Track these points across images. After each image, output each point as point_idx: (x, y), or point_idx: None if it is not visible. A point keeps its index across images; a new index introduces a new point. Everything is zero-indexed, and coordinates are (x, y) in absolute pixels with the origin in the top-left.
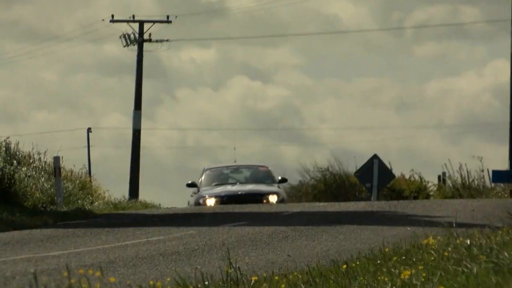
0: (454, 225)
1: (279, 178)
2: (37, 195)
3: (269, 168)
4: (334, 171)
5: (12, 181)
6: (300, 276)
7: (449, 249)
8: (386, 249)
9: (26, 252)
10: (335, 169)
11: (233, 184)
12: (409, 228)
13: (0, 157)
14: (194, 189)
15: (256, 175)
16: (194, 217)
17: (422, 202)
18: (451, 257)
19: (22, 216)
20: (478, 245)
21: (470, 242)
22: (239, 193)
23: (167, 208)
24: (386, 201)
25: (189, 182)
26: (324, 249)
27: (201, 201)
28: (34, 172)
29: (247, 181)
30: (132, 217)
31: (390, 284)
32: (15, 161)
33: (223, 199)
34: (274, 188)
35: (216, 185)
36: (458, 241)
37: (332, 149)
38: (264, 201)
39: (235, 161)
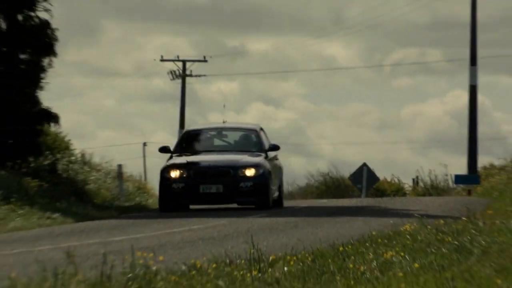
0: (425, 216)
1: (269, 145)
2: (105, 193)
3: (260, 130)
4: (332, 176)
5: (86, 182)
6: (306, 255)
7: (421, 234)
8: (373, 234)
9: (97, 238)
10: (333, 174)
11: (210, 152)
12: (391, 221)
13: (77, 164)
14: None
15: (241, 141)
16: (226, 210)
17: (400, 199)
18: (423, 241)
19: (93, 210)
20: (443, 231)
21: (437, 229)
22: (208, 165)
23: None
24: (373, 198)
25: (165, 146)
26: (325, 235)
27: (164, 172)
28: (102, 176)
29: (228, 148)
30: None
31: (375, 262)
32: (87, 167)
33: (190, 172)
34: (255, 159)
35: (192, 152)
36: (428, 228)
37: (330, 159)
38: (238, 174)
39: (224, 121)
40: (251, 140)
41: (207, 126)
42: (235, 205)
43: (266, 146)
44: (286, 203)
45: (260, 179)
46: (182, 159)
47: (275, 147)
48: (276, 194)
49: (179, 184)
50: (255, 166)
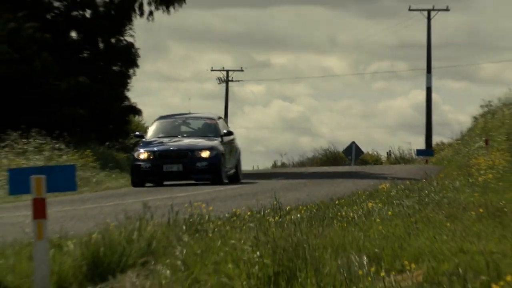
0: (396, 178)
1: (225, 131)
2: None
3: (217, 120)
4: (330, 150)
5: None
6: (313, 206)
7: (393, 191)
8: (359, 192)
9: (167, 194)
10: (331, 149)
11: (175, 137)
12: (372, 182)
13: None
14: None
15: (201, 128)
16: (257, 175)
17: (378, 166)
18: (394, 196)
19: None
20: (409, 189)
21: (404, 187)
22: (170, 148)
23: (244, 170)
24: (359, 166)
25: (137, 133)
26: (326, 191)
27: (135, 154)
28: None
29: (191, 134)
30: None
31: (361, 210)
32: None
33: (155, 154)
34: (210, 142)
35: (160, 137)
36: (398, 186)
37: (328, 139)
38: (195, 156)
39: (189, 112)
40: (210, 127)
41: (174, 115)
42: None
43: (222, 132)
44: (303, 169)
45: (213, 159)
46: (149, 144)
47: (229, 133)
48: (232, 171)
49: (147, 164)
50: (210, 148)
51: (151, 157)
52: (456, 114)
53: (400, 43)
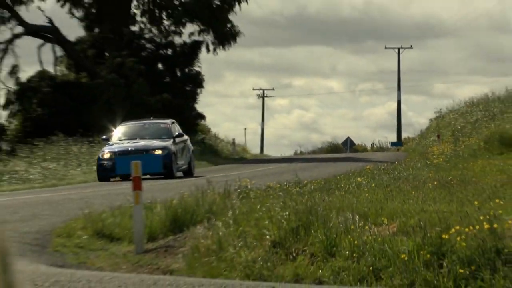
0: (377, 162)
1: (176, 133)
2: (226, 152)
3: (170, 124)
4: (333, 143)
5: (217, 147)
6: (321, 180)
7: (375, 171)
8: (352, 171)
9: (222, 173)
10: (333, 142)
11: (134, 139)
12: (361, 164)
13: (212, 138)
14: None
15: (156, 131)
16: (283, 159)
17: (365, 153)
18: (376, 173)
19: (221, 160)
20: (386, 168)
21: (383, 167)
22: (128, 148)
23: (275, 156)
24: (352, 153)
25: (104, 136)
26: (329, 171)
27: (100, 154)
28: (225, 143)
29: (148, 136)
30: (261, 160)
31: (354, 183)
32: (218, 140)
33: (116, 154)
34: (163, 143)
35: (122, 139)
36: (379, 167)
37: (331, 135)
38: (149, 154)
39: (151, 118)
40: (163, 130)
41: (134, 121)
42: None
43: (174, 134)
44: (314, 155)
45: (165, 157)
46: (112, 145)
47: (180, 135)
48: (185, 167)
49: (109, 162)
50: (162, 148)
51: (113, 156)
52: (417, 118)
53: (379, 70)
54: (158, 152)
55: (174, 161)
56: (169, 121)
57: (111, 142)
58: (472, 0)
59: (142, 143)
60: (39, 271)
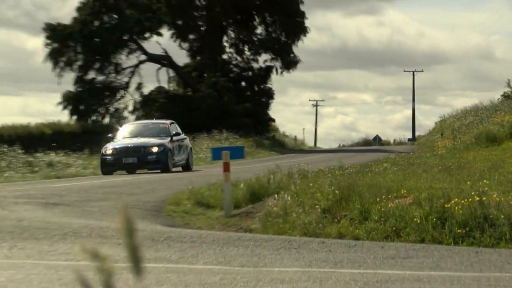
0: (398, 152)
1: (174, 132)
2: (289, 145)
3: (169, 124)
4: (367, 139)
5: (283, 141)
6: (357, 166)
7: (397, 158)
8: (380, 159)
9: (287, 160)
10: (367, 138)
11: (135, 137)
12: (386, 154)
13: (279, 135)
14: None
15: (155, 130)
16: (330, 150)
17: (389, 146)
18: (397, 160)
19: (285, 150)
20: (405, 157)
21: (403, 156)
22: (128, 145)
23: (324, 148)
24: (380, 146)
25: (110, 135)
26: (363, 159)
27: (103, 150)
28: (289, 138)
29: (147, 135)
30: (315, 150)
31: (381, 167)
32: (283, 135)
33: (117, 150)
34: (160, 141)
35: (126, 137)
36: (399, 156)
37: (365, 133)
38: (147, 151)
39: (154, 118)
40: (162, 130)
41: (137, 121)
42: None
43: (172, 133)
44: (353, 147)
45: (161, 153)
46: (115, 142)
47: (178, 134)
48: (183, 162)
49: (110, 158)
50: (159, 145)
51: (114, 152)
52: (426, 121)
53: (398, 87)
54: (155, 149)
55: (170, 157)
56: (168, 121)
57: (115, 140)
58: (466, 36)
59: (141, 140)
60: (156, 229)
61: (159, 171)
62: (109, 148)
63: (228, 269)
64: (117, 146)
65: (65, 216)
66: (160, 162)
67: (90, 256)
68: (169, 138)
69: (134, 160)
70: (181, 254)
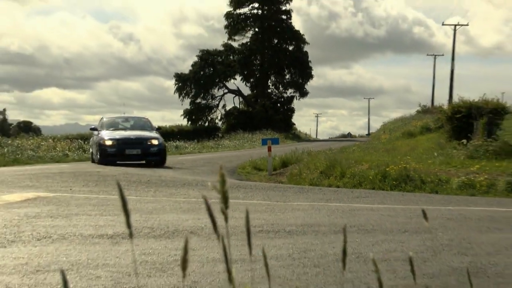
0: (361, 141)
1: (156, 126)
2: (303, 137)
3: (148, 119)
4: (344, 134)
5: (299, 134)
6: (338, 148)
7: (360, 144)
8: (351, 145)
9: (301, 145)
10: (344, 133)
11: (124, 129)
12: (354, 142)
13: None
14: (95, 132)
15: (139, 124)
16: (325, 140)
17: (356, 138)
18: (360, 146)
19: (300, 140)
20: (364, 144)
21: (363, 143)
22: (131, 137)
23: (322, 139)
24: (351, 138)
25: (92, 126)
26: (342, 145)
27: (101, 141)
28: (302, 133)
29: (133, 128)
30: (316, 140)
31: (351, 149)
32: (300, 131)
33: (119, 141)
34: (155, 134)
35: (112, 129)
36: (361, 143)
37: (344, 131)
38: (148, 143)
39: (124, 113)
40: (146, 124)
41: (116, 115)
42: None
43: (155, 127)
44: (336, 139)
45: (161, 146)
46: (110, 133)
47: (159, 128)
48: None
49: (112, 149)
50: (157, 138)
51: (115, 143)
52: (376, 124)
53: (361, 107)
54: (155, 142)
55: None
56: (144, 116)
57: (101, 131)
58: (397, 80)
59: (139, 133)
60: (231, 182)
61: (158, 163)
62: (107, 139)
63: (270, 202)
64: (117, 137)
65: (184, 174)
66: (160, 154)
67: (216, 186)
68: (155, 132)
69: (138, 151)
70: (245, 194)
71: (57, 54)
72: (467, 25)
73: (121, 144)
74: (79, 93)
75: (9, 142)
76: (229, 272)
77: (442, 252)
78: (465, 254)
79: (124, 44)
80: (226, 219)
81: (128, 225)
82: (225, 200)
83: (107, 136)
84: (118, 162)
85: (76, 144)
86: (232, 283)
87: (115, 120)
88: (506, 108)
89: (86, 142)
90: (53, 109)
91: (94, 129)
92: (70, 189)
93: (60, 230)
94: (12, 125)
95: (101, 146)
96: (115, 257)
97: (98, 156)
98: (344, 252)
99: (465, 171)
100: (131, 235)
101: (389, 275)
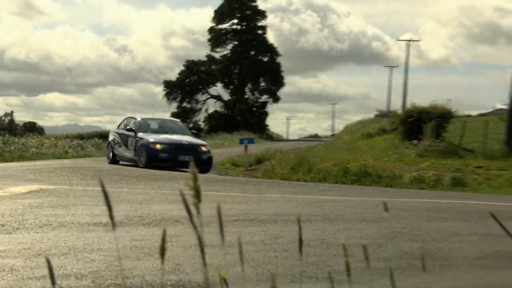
0: (326, 141)
1: (193, 131)
2: (275, 137)
3: (181, 123)
4: (311, 134)
5: (271, 135)
6: (307, 147)
7: (325, 144)
8: (317, 144)
9: (274, 145)
10: (312, 134)
11: (166, 133)
12: (320, 142)
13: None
14: (131, 133)
15: (178, 128)
16: (295, 140)
17: (322, 138)
18: (325, 145)
19: (273, 140)
20: (328, 143)
21: (327, 143)
22: (183, 142)
23: (292, 138)
24: (317, 138)
25: (128, 127)
26: (307, 145)
27: (151, 145)
28: (274, 134)
29: (174, 131)
30: (287, 140)
31: (317, 148)
32: (273, 132)
33: (171, 146)
34: (202, 141)
35: (152, 132)
36: (326, 143)
37: (311, 132)
38: (199, 150)
39: (152, 115)
40: (182, 127)
41: (151, 116)
42: None
43: (191, 131)
44: (305, 139)
45: (209, 153)
46: (157, 137)
47: (196, 132)
48: None
49: (164, 154)
50: (206, 145)
51: (167, 148)
52: (339, 126)
53: (326, 111)
54: (205, 149)
55: None
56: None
57: (144, 134)
58: (359, 88)
59: (187, 138)
60: (213, 176)
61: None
62: (157, 143)
63: (246, 195)
64: (169, 142)
65: (171, 169)
66: (209, 162)
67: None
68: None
69: (190, 158)
70: (223, 187)
71: (60, 63)
72: (419, 40)
73: (173, 149)
74: (79, 97)
75: (16, 140)
76: (203, 257)
77: (396, 238)
78: (415, 240)
79: (119, 54)
80: (198, 211)
81: (111, 216)
82: (197, 195)
83: (156, 139)
84: (167, 167)
85: (76, 143)
86: (205, 266)
87: (154, 122)
88: (452, 113)
89: (84, 141)
90: (55, 111)
91: (131, 129)
92: (69, 182)
93: (60, 219)
94: (19, 125)
95: (150, 149)
96: (108, 243)
97: (143, 159)
98: (300, 240)
99: (416, 167)
100: (113, 226)
101: (349, 258)
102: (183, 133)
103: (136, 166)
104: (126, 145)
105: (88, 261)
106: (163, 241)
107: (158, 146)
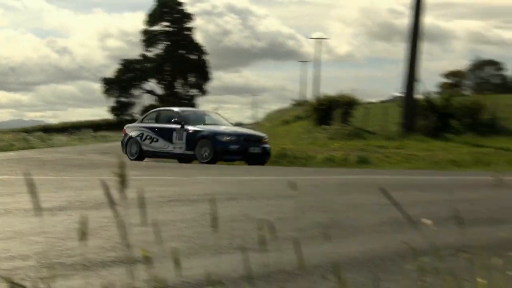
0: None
1: (231, 122)
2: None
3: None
4: (237, 123)
5: None
6: None
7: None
8: None
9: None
10: (236, 123)
11: (215, 124)
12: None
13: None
14: (177, 126)
15: (219, 119)
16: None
17: (246, 126)
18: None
19: None
20: None
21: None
22: (252, 134)
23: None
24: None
25: (173, 120)
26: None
27: (219, 137)
28: None
29: (221, 123)
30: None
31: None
32: None
33: (240, 138)
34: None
35: (202, 123)
36: None
37: (233, 120)
38: (263, 141)
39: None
40: (222, 118)
41: (185, 108)
42: None
43: (230, 122)
44: None
45: (268, 144)
46: (225, 129)
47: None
48: None
49: (234, 146)
50: (266, 137)
51: (237, 140)
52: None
53: (248, 102)
54: (266, 139)
55: None
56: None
57: (184, 124)
58: (280, 82)
59: (249, 130)
60: (149, 163)
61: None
62: (226, 135)
63: (178, 178)
64: (234, 133)
65: (111, 157)
66: (269, 154)
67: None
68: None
69: (259, 150)
70: (157, 172)
71: (4, 64)
72: (328, 38)
73: (243, 141)
74: (22, 95)
75: None
76: (124, 238)
77: (309, 211)
78: (326, 212)
79: (59, 55)
80: (123, 196)
81: (37, 204)
82: (122, 181)
83: (223, 131)
84: (237, 160)
85: (20, 136)
86: (128, 247)
87: (194, 115)
88: (356, 101)
89: (29, 134)
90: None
91: (177, 122)
92: (15, 173)
93: (5, 206)
94: None
95: (217, 142)
96: (52, 226)
97: (208, 153)
98: (215, 218)
99: (327, 149)
100: (38, 211)
101: (267, 230)
102: (226, 124)
103: (77, 155)
104: (167, 139)
105: (33, 243)
106: (83, 225)
107: (226, 138)
